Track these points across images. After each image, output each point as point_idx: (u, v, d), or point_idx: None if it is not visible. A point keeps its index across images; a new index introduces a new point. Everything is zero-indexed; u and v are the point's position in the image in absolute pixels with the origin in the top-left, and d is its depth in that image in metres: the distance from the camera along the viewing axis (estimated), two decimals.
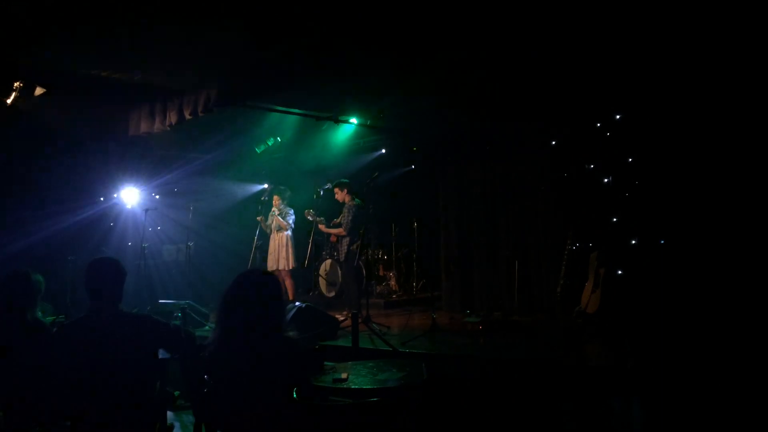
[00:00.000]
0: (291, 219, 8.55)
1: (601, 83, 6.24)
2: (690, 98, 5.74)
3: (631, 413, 4.37)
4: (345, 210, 7.93)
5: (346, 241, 7.91)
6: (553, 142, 7.21)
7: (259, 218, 8.75)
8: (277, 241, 8.54)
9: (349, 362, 4.27)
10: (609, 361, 5.08)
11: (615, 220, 6.43)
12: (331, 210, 8.60)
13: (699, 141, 5.75)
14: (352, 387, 3.39)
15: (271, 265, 8.48)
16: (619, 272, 6.22)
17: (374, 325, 6.51)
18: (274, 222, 8.56)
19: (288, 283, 8.57)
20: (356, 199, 7.95)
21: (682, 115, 5.83)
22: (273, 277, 3.19)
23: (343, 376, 3.57)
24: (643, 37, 5.46)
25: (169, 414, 5.01)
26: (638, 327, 5.62)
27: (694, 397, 4.11)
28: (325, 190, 8.74)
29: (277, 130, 9.24)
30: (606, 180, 6.57)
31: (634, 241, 6.23)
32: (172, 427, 5.01)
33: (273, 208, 8.65)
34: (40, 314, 4.08)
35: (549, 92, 6.68)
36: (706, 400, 4.05)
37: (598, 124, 6.64)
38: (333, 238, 8.67)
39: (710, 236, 5.62)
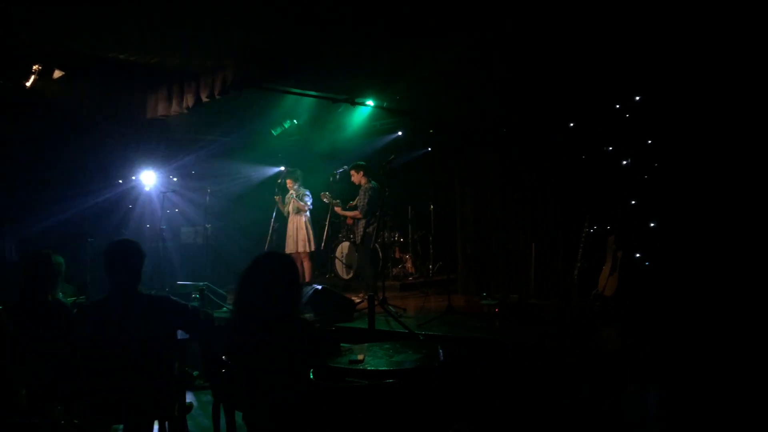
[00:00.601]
0: (309, 200, 8.56)
1: (621, 64, 6.15)
2: (711, 79, 5.64)
3: (647, 398, 4.35)
4: (361, 192, 7.93)
5: (362, 223, 7.91)
6: (571, 124, 7.13)
7: (276, 198, 8.78)
8: (295, 224, 8.57)
9: (365, 344, 4.29)
10: (625, 346, 5.06)
11: (633, 202, 6.37)
12: (347, 192, 8.61)
13: (719, 122, 5.66)
14: (368, 368, 3.41)
15: (289, 248, 8.52)
16: (637, 255, 6.18)
17: (390, 307, 6.53)
18: (292, 204, 8.58)
19: (306, 266, 8.61)
20: (372, 182, 7.94)
21: (702, 97, 5.74)
22: (290, 259, 3.22)
23: (360, 357, 3.59)
24: (662, 18, 5.37)
25: (188, 393, 5.08)
26: (656, 311, 5.58)
27: (710, 382, 4.08)
28: (341, 173, 8.74)
29: (294, 113, 9.23)
30: (624, 162, 6.50)
31: (652, 224, 6.17)
32: (191, 406, 5.08)
33: (289, 191, 8.67)
34: (60, 295, 4.14)
35: (567, 73, 6.60)
36: (722, 385, 4.02)
37: (617, 106, 6.55)
38: (349, 221, 8.68)
39: (730, 219, 5.55)
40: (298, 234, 8.52)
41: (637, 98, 6.35)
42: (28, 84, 6.65)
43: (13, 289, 4.14)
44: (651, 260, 6.08)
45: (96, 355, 3.37)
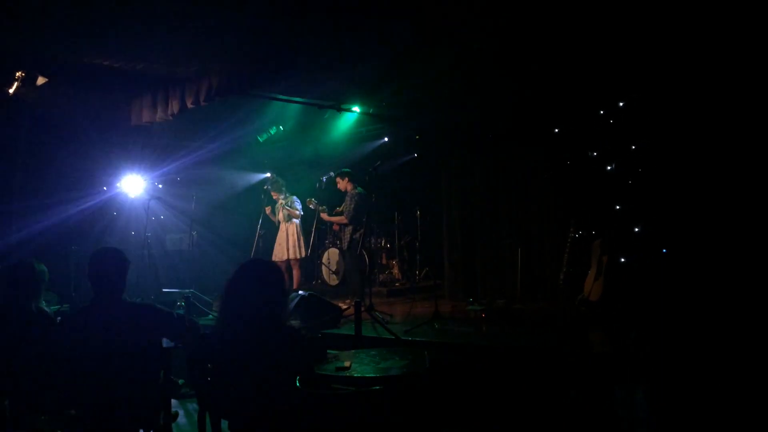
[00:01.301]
0: (299, 205, 8.55)
1: (605, 70, 6.21)
2: (695, 85, 5.71)
3: (635, 401, 4.38)
4: (347, 198, 7.93)
5: (348, 229, 7.91)
6: (556, 130, 7.18)
7: (267, 209, 8.74)
8: (286, 231, 8.54)
9: (352, 350, 4.28)
10: (612, 349, 5.08)
11: (618, 207, 6.42)
12: (333, 199, 8.61)
13: (703, 128, 5.72)
14: (355, 375, 3.40)
15: (278, 255, 8.49)
16: (622, 260, 6.22)
17: (377, 313, 6.53)
18: (282, 212, 8.54)
19: (295, 273, 8.59)
20: (359, 188, 7.94)
21: (686, 102, 5.80)
22: (275, 267, 3.21)
23: (346, 364, 3.59)
24: (647, 24, 5.43)
25: (174, 402, 5.04)
26: (641, 314, 5.62)
27: (697, 384, 4.12)
28: (327, 179, 8.73)
29: (280, 119, 9.23)
30: (609, 167, 6.55)
31: (637, 229, 6.22)
32: (176, 415, 5.04)
33: (278, 202, 8.64)
34: (44, 304, 4.10)
35: (552, 80, 6.65)
36: (710, 387, 4.05)
37: (602, 112, 6.61)
38: (336, 227, 8.68)
39: (714, 223, 5.60)
40: (289, 241, 8.49)
41: (621, 104, 6.41)
42: (11, 91, 6.60)
43: None
44: (636, 264, 6.12)
45: (80, 365, 3.33)
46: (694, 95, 5.73)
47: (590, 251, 6.52)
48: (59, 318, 4.01)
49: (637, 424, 4.28)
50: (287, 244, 8.49)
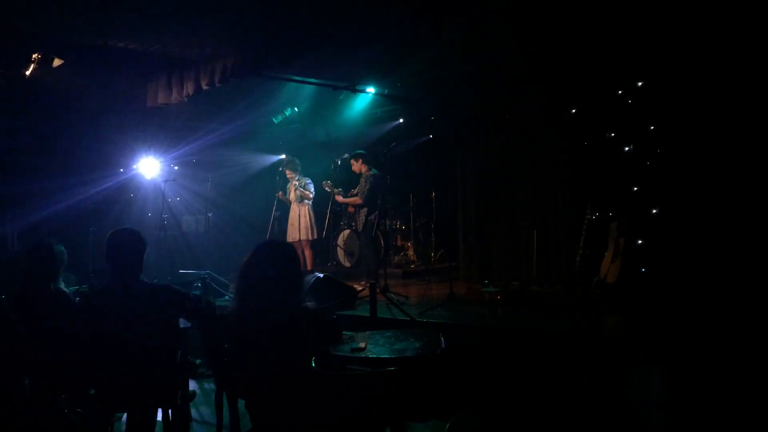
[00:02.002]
0: (311, 187, 8.56)
1: (623, 49, 6.11)
2: (715, 65, 5.60)
3: (650, 385, 4.36)
4: (362, 180, 7.92)
5: (363, 211, 7.90)
6: (573, 111, 7.10)
7: (278, 194, 8.76)
8: (297, 212, 8.56)
9: (367, 331, 4.30)
10: (627, 332, 5.06)
11: (635, 189, 6.35)
12: (348, 181, 8.59)
13: (723, 109, 5.62)
14: (370, 356, 3.42)
15: (291, 236, 8.52)
16: (639, 242, 6.17)
17: (392, 294, 6.54)
18: (294, 193, 8.56)
19: (307, 254, 8.62)
20: (373, 169, 7.92)
21: (706, 83, 5.70)
22: (291, 248, 3.21)
23: (361, 345, 3.60)
24: (666, 2, 5.33)
25: (191, 382, 5.10)
26: (658, 297, 5.58)
27: (713, 369, 4.09)
28: (342, 161, 8.72)
29: (294, 100, 9.20)
30: (627, 149, 6.47)
31: (654, 211, 6.16)
32: (194, 394, 5.12)
33: (290, 181, 8.66)
34: (63, 284, 4.15)
35: (569, 59, 6.56)
36: (726, 372, 4.03)
37: (620, 92, 6.52)
38: (351, 209, 8.67)
39: (733, 206, 5.53)
40: (301, 222, 8.51)
41: (640, 84, 6.31)
42: (27, 73, 6.63)
43: (16, 279, 4.15)
44: (653, 247, 6.07)
45: (99, 344, 3.38)
46: (715, 75, 5.62)
47: (607, 233, 6.47)
48: (78, 298, 4.05)
49: (651, 408, 4.27)
50: (299, 225, 8.51)
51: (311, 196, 8.51)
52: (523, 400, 4.44)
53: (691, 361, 4.27)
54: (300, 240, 8.47)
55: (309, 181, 8.60)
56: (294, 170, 8.60)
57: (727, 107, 5.58)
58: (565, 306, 6.23)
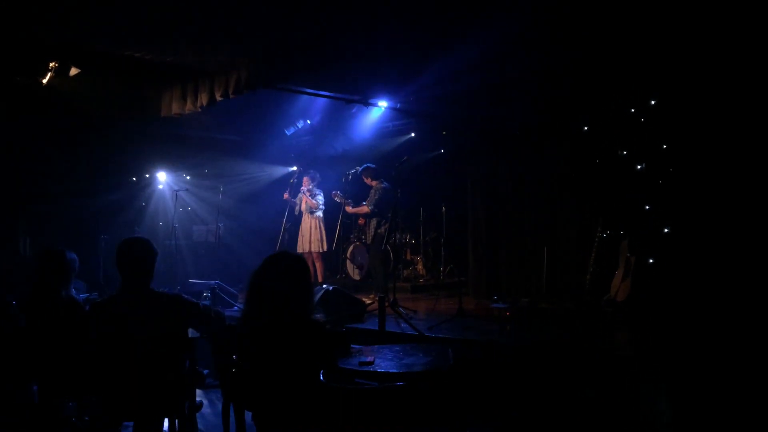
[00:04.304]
0: (320, 198, 8.58)
1: (636, 67, 6.11)
2: (729, 85, 5.58)
3: (659, 405, 4.31)
4: (372, 191, 7.94)
5: (373, 224, 7.91)
6: (585, 128, 7.09)
7: (285, 194, 8.80)
8: (308, 223, 8.58)
9: (376, 345, 4.28)
10: (637, 351, 5.01)
11: (647, 207, 6.31)
12: (359, 193, 8.61)
13: (736, 128, 5.60)
14: (378, 370, 3.40)
15: (302, 247, 8.53)
16: (651, 261, 6.13)
17: (401, 309, 6.52)
18: (304, 203, 8.59)
19: (318, 266, 8.63)
20: (384, 183, 7.94)
21: (720, 102, 5.68)
22: (301, 260, 3.21)
23: (370, 359, 3.59)
24: (680, 21, 5.32)
25: (198, 392, 5.09)
26: (668, 316, 5.53)
27: (723, 390, 4.04)
28: (353, 174, 8.75)
29: (307, 113, 9.25)
30: (639, 167, 6.45)
31: (666, 230, 6.12)
32: (201, 404, 5.11)
33: (302, 190, 8.69)
34: (73, 291, 4.17)
35: (582, 77, 6.56)
36: (736, 393, 3.97)
37: (632, 110, 6.51)
38: (361, 221, 8.68)
39: (746, 226, 5.48)
40: (312, 234, 8.53)
41: (653, 102, 6.30)
42: (44, 81, 6.70)
43: (27, 285, 4.18)
44: (664, 266, 6.02)
45: (107, 352, 3.38)
46: (729, 95, 5.61)
47: (618, 251, 6.43)
48: (88, 306, 4.07)
49: (660, 428, 4.22)
50: (310, 237, 8.53)
51: (317, 205, 8.53)
52: (532, 418, 4.40)
53: (700, 381, 4.21)
54: (311, 252, 8.47)
55: (319, 191, 8.64)
56: (312, 179, 8.65)
57: (740, 127, 5.56)
58: (575, 323, 6.19)
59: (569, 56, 6.26)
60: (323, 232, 8.57)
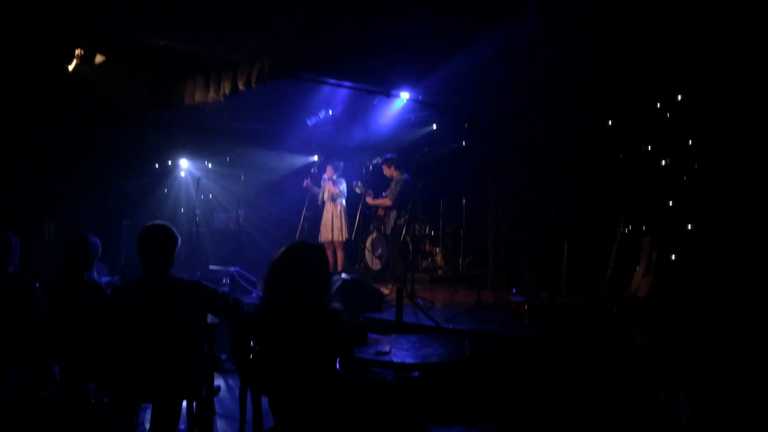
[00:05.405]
0: (343, 187, 8.60)
1: (664, 62, 6.01)
2: (757, 81, 5.48)
3: (678, 405, 4.27)
4: (392, 183, 7.93)
5: (393, 214, 7.91)
6: (610, 122, 7.00)
7: (306, 183, 8.82)
8: (331, 212, 8.60)
9: (393, 335, 4.30)
10: (657, 349, 4.97)
11: (671, 204, 6.23)
12: (379, 184, 8.61)
13: (764, 125, 5.50)
14: (395, 360, 3.42)
15: (324, 236, 8.55)
16: (673, 258, 6.05)
17: (419, 299, 6.52)
18: (327, 191, 8.60)
19: (339, 255, 8.65)
20: (405, 174, 7.93)
21: (747, 98, 5.58)
22: (321, 249, 3.22)
23: (386, 348, 3.60)
24: (708, 14, 5.23)
25: (217, 376, 5.15)
26: (690, 315, 5.46)
27: (745, 394, 3.98)
28: (374, 165, 8.75)
29: (329, 103, 9.26)
30: (663, 162, 6.36)
31: (689, 226, 6.04)
32: (219, 389, 5.17)
33: (325, 176, 8.70)
34: (95, 275, 4.23)
35: (606, 71, 6.48)
36: (758, 393, 3.92)
37: (658, 105, 6.41)
38: (381, 212, 8.68)
39: None
40: (334, 223, 8.55)
41: (680, 97, 6.20)
42: (70, 68, 6.78)
43: (51, 268, 4.25)
44: (687, 263, 5.95)
45: (127, 336, 3.43)
46: (757, 91, 5.50)
47: (639, 247, 6.36)
48: (109, 290, 4.13)
49: (679, 428, 4.18)
50: (332, 226, 8.55)
51: (338, 192, 8.53)
52: (547, 411, 4.39)
53: (722, 385, 4.16)
54: (333, 240, 8.49)
55: (342, 180, 8.67)
56: (336, 169, 8.67)
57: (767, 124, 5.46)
58: (593, 319, 6.15)
59: (595, 51, 6.19)
60: (345, 221, 8.59)
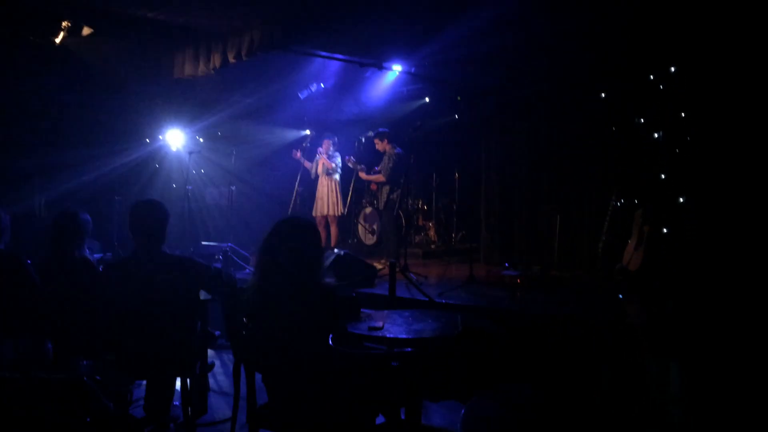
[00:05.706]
0: (338, 161, 8.56)
1: (657, 33, 5.97)
2: (752, 53, 5.45)
3: (668, 378, 4.32)
4: (386, 157, 7.90)
5: (386, 189, 7.89)
6: (603, 95, 6.97)
7: (297, 154, 8.77)
8: (326, 186, 8.56)
9: (385, 310, 4.31)
10: (648, 320, 5.00)
11: (663, 177, 6.24)
12: (372, 158, 8.57)
13: (758, 98, 5.48)
14: (388, 335, 3.42)
15: (320, 210, 8.53)
16: (665, 231, 6.07)
17: (411, 274, 6.54)
18: (321, 165, 8.55)
19: (333, 230, 8.64)
20: (397, 148, 7.89)
21: (742, 70, 5.55)
22: (312, 224, 3.21)
23: (379, 324, 3.61)
24: None
25: (210, 352, 5.17)
26: (681, 287, 5.50)
27: (735, 364, 4.03)
28: (366, 139, 8.70)
29: (321, 76, 9.17)
30: (656, 135, 6.35)
31: (681, 199, 6.05)
32: (212, 365, 5.20)
33: (319, 153, 8.65)
34: (87, 252, 4.21)
35: (600, 42, 6.42)
36: (748, 368, 3.97)
37: (651, 77, 6.38)
38: (373, 186, 8.66)
39: (763, 197, 5.41)
40: (330, 197, 8.52)
41: (673, 69, 6.17)
42: (57, 40, 6.66)
43: (42, 246, 4.22)
44: (678, 236, 5.98)
45: (120, 312, 3.43)
46: (752, 64, 5.47)
47: (632, 220, 6.38)
48: (101, 266, 4.11)
49: (669, 401, 4.23)
50: (327, 200, 8.52)
51: (333, 166, 8.50)
52: (539, 385, 4.43)
53: (712, 355, 4.21)
54: (327, 215, 8.47)
55: (337, 154, 8.62)
56: (332, 142, 8.62)
57: (762, 97, 5.44)
58: (585, 292, 6.18)
59: (587, 21, 6.13)
60: (339, 195, 8.56)
